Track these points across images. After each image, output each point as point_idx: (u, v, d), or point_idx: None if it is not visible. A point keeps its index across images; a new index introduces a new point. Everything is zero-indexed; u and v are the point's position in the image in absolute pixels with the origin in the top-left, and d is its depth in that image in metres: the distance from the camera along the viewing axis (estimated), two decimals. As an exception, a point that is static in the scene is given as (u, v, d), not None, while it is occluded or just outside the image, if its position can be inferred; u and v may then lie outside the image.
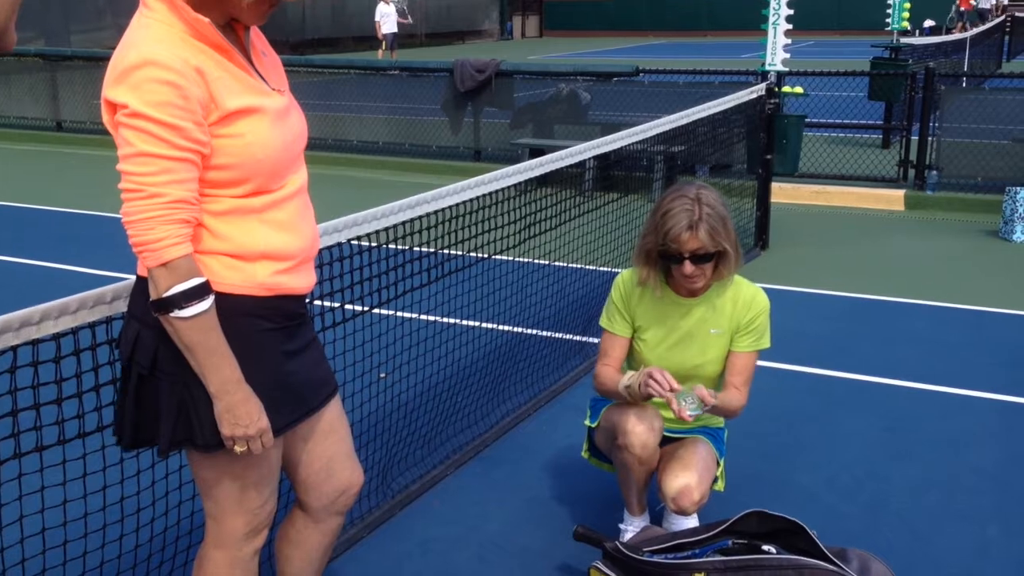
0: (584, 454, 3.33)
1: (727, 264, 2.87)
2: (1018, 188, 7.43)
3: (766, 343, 3.02)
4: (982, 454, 3.87)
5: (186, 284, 1.84)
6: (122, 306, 2.24)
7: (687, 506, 2.86)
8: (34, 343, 2.10)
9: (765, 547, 2.65)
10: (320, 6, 32.13)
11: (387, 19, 22.95)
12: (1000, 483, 3.63)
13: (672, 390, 2.71)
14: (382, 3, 23.10)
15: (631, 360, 3.11)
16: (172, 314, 1.85)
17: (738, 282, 3.00)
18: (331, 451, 2.28)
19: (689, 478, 2.87)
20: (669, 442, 3.07)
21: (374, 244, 3.21)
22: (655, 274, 2.95)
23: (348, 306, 3.17)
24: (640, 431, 2.86)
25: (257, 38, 2.09)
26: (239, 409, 1.92)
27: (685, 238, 2.78)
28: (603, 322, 3.11)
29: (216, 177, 1.91)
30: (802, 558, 2.55)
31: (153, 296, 1.86)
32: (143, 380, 1.99)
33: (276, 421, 2.02)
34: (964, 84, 11.47)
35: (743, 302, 2.97)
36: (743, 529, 2.74)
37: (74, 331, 2.19)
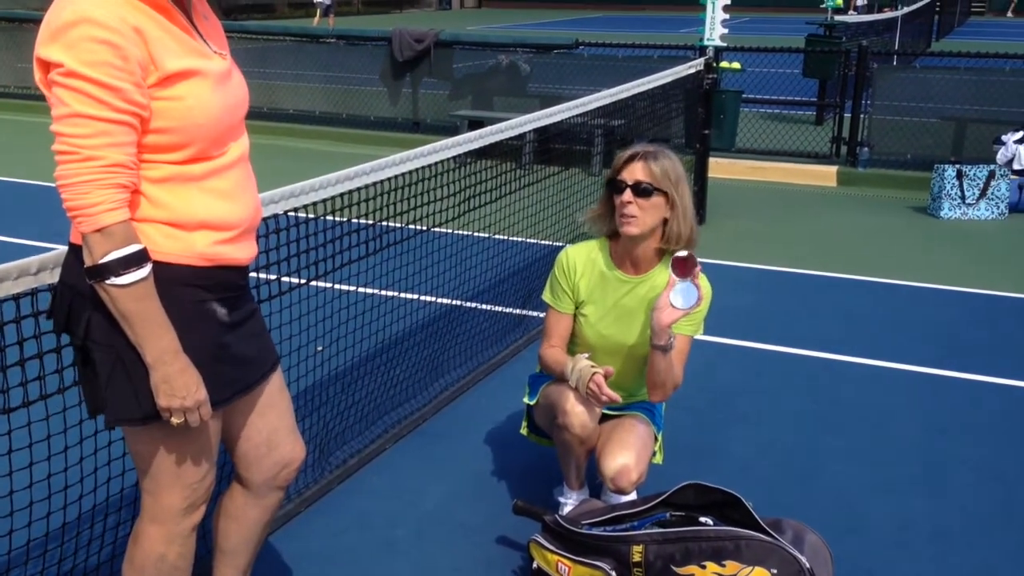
0: (523, 431, 3.33)
1: (676, 222, 2.86)
2: (946, 165, 7.61)
3: (701, 331, 3.01)
4: (908, 426, 3.97)
5: (123, 251, 1.79)
6: (48, 278, 2.17)
7: (625, 486, 2.88)
8: (-45, 316, 2.02)
9: (702, 519, 2.68)
10: (254, -30, 31.46)
11: None
12: (924, 454, 3.73)
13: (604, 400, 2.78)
14: None
15: (571, 336, 3.11)
16: (108, 281, 1.80)
17: None
18: (272, 425, 2.25)
19: (627, 458, 2.89)
20: (608, 418, 3.08)
21: (311, 216, 3.16)
22: (606, 216, 2.94)
23: (285, 278, 3.11)
24: (579, 411, 2.86)
25: (199, 2, 2.02)
26: (176, 380, 1.87)
27: (632, 165, 2.84)
28: (547, 296, 3.10)
29: (155, 141, 1.86)
30: (738, 529, 2.59)
31: (88, 263, 1.81)
32: (82, 350, 1.94)
33: (215, 394, 1.98)
34: (895, 62, 11.67)
35: None
36: (680, 501, 2.77)
37: (-3, 304, 2.11)
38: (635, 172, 2.84)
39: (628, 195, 2.83)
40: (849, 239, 6.98)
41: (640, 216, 2.84)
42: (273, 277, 3.05)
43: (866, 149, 8.97)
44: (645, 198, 2.82)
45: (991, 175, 7.53)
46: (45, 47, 1.77)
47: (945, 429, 3.95)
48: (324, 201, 3.12)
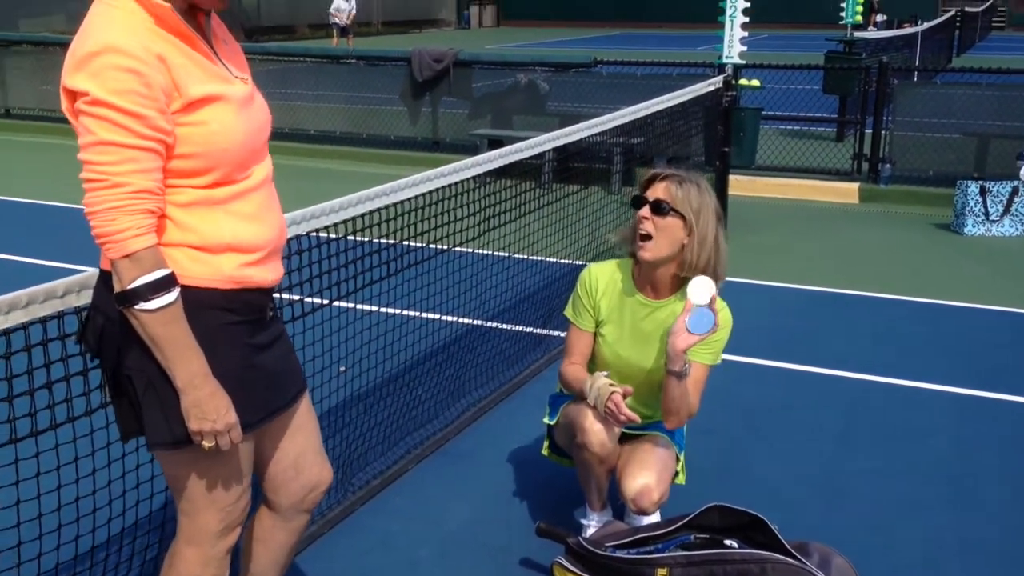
0: (544, 451, 3.32)
1: (693, 250, 2.84)
2: (969, 182, 7.56)
3: (719, 360, 2.96)
4: (935, 445, 3.93)
5: (151, 276, 1.81)
6: (74, 300, 2.19)
7: (647, 506, 2.87)
8: (-16, 339, 2.04)
9: (727, 541, 2.66)
10: (275, -8, 31.80)
11: (342, 12, 22.81)
12: (953, 473, 3.69)
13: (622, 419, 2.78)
14: None
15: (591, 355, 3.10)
16: (137, 307, 1.81)
17: None
18: (300, 448, 2.26)
19: (648, 478, 2.88)
20: (628, 439, 3.06)
21: (333, 236, 3.17)
22: (632, 239, 2.94)
23: (308, 299, 3.13)
24: (598, 430, 2.85)
25: (219, 27, 2.06)
26: (207, 404, 1.89)
27: (656, 185, 2.88)
28: (568, 313, 3.10)
29: (180, 167, 1.88)
30: (764, 552, 2.57)
31: (117, 289, 1.83)
32: (114, 375, 1.96)
33: (245, 416, 1.99)
34: (916, 78, 11.63)
35: None
36: (704, 523, 2.76)
37: (24, 327, 2.12)
38: (657, 191, 2.88)
39: (646, 211, 2.86)
40: (872, 256, 6.94)
41: (655, 237, 2.84)
42: (296, 298, 3.07)
43: (888, 165, 8.92)
44: (660, 216, 2.83)
45: (1015, 191, 7.48)
46: (71, 76, 1.79)
47: (972, 447, 3.90)
48: (345, 222, 3.14)
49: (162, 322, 1.83)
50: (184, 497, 2.07)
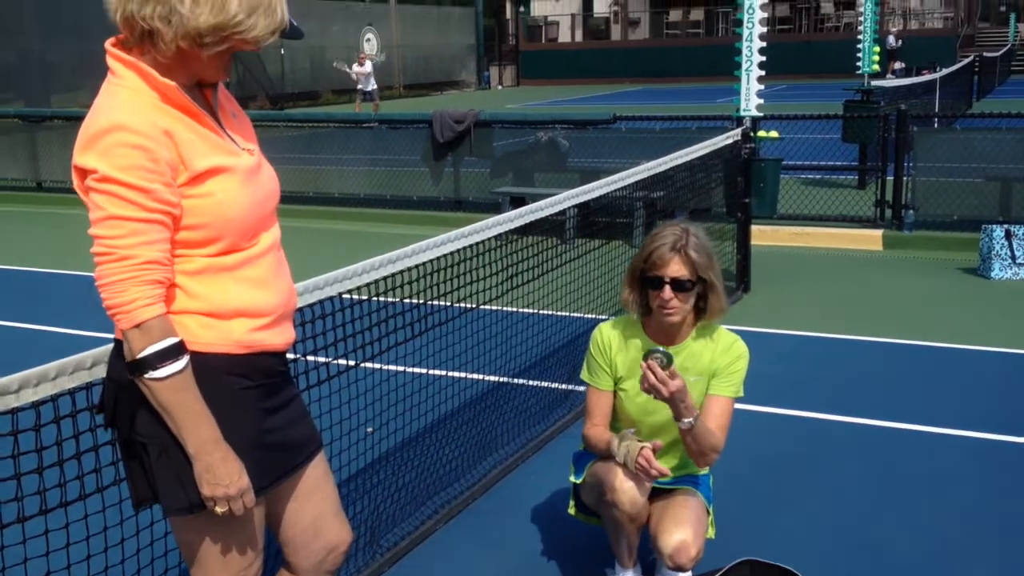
0: (571, 511, 3.29)
1: (716, 298, 2.87)
2: (994, 226, 7.51)
3: (742, 391, 2.99)
4: (966, 493, 3.86)
5: (159, 344, 1.85)
6: (102, 371, 2.22)
7: (684, 563, 2.84)
8: (13, 412, 2.07)
9: (759, 597, 2.62)
10: (299, 59, 32.44)
11: (366, 78, 23.25)
12: (985, 522, 3.62)
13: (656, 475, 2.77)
14: (356, 64, 23.40)
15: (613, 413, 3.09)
16: (147, 375, 1.85)
17: (716, 328, 3.01)
18: (317, 509, 2.26)
19: (685, 534, 2.85)
20: (658, 494, 3.04)
21: (357, 299, 3.20)
22: (636, 300, 2.94)
23: (334, 362, 3.15)
24: (628, 488, 2.83)
25: (227, 100, 2.11)
26: (219, 469, 1.91)
27: (668, 259, 2.80)
28: (585, 376, 3.10)
29: (188, 237, 1.93)
30: (797, 607, 2.53)
31: (128, 358, 1.87)
32: (128, 443, 1.98)
33: (257, 480, 2.00)
34: (936, 124, 11.64)
35: (722, 347, 2.97)
36: (736, 579, 2.72)
37: (54, 399, 2.16)
38: (673, 268, 2.82)
39: (668, 292, 2.82)
40: (899, 303, 6.89)
41: (679, 310, 2.85)
42: (323, 360, 3.09)
43: (911, 212, 8.89)
44: (685, 292, 2.84)
45: (1041, 233, 7.42)
46: (81, 155, 1.86)
47: (1009, 496, 3.83)
48: (368, 285, 3.17)
49: (172, 389, 1.86)
50: (197, 563, 2.08)
